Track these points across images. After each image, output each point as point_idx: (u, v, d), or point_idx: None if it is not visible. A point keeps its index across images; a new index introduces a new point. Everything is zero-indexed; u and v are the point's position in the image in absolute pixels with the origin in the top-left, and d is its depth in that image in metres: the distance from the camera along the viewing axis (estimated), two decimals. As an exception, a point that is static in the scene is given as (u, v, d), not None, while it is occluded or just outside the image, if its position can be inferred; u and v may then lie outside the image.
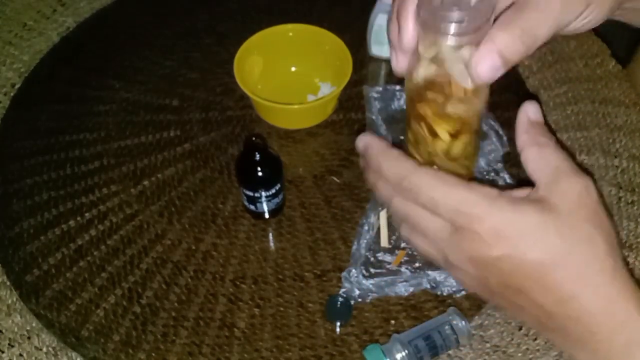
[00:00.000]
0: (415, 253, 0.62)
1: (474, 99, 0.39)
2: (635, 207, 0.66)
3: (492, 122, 0.69)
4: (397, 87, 0.74)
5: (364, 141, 0.43)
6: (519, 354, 0.57)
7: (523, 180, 0.67)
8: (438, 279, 0.59)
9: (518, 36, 0.37)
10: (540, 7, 0.37)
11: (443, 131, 0.40)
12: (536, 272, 0.35)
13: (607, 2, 0.41)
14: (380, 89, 0.74)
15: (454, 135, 0.40)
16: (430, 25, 0.37)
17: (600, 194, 0.37)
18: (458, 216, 0.36)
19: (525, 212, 0.36)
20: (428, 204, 0.37)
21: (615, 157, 0.70)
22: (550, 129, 0.41)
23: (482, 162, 0.68)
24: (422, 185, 0.38)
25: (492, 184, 0.64)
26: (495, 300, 0.39)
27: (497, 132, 0.69)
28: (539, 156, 0.39)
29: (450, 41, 0.37)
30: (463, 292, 0.60)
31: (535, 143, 0.39)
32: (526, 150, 0.39)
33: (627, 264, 0.39)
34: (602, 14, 0.41)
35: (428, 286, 0.60)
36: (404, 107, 0.73)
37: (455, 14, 0.35)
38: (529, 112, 0.40)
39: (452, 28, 0.36)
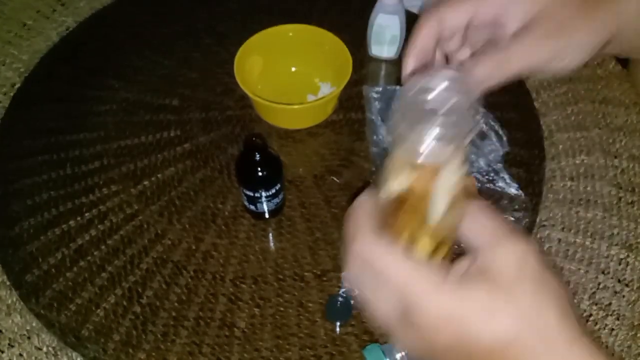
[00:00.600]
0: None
1: (455, 208, 0.38)
2: (635, 207, 0.66)
3: (492, 122, 0.69)
4: (397, 87, 0.74)
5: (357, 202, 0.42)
6: (519, 354, 0.57)
7: (523, 180, 0.67)
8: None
9: (493, 68, 0.41)
10: (512, 48, 0.41)
11: (427, 244, 0.38)
12: (490, 353, 0.35)
13: (581, 46, 0.43)
14: (380, 89, 0.74)
15: (436, 247, 0.39)
16: (407, 141, 0.35)
17: (542, 252, 0.37)
18: (404, 296, 0.36)
19: (470, 294, 0.35)
20: (379, 275, 0.37)
21: (615, 157, 0.70)
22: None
23: (482, 162, 0.68)
24: (374, 253, 0.37)
25: (491, 191, 0.64)
26: None
27: (497, 132, 0.69)
28: (471, 226, 0.38)
29: (428, 155, 0.35)
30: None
31: (466, 213, 0.38)
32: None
33: (583, 316, 0.39)
34: (579, 56, 0.43)
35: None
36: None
37: (436, 130, 0.34)
38: None
39: (430, 143, 0.34)
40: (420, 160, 0.35)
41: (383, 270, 0.36)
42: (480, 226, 0.37)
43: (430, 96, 0.35)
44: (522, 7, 0.42)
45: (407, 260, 0.36)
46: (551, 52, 0.42)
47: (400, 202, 0.38)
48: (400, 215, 0.38)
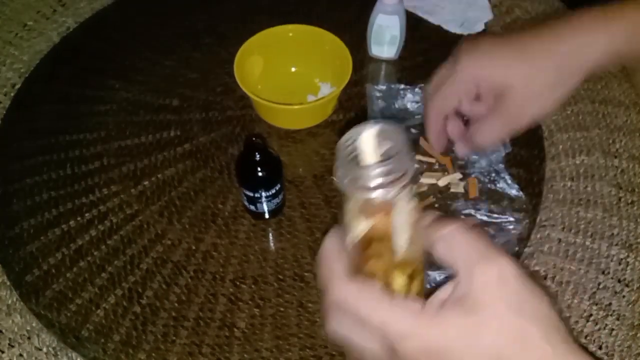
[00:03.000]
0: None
1: (417, 237, 0.39)
2: (635, 207, 0.66)
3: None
4: (401, 86, 0.74)
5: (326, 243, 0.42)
6: (519, 354, 0.57)
7: (523, 180, 0.67)
8: (438, 279, 0.59)
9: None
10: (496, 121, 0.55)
11: (400, 278, 0.39)
12: None
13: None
14: (384, 87, 0.74)
15: (411, 277, 0.39)
16: (355, 188, 0.37)
17: (521, 268, 0.36)
18: (385, 335, 0.36)
19: (450, 321, 0.35)
20: (358, 318, 0.37)
21: (615, 157, 0.70)
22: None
23: (483, 163, 0.68)
24: (350, 298, 0.37)
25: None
26: None
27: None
28: (447, 251, 0.38)
29: (378, 195, 0.37)
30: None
31: (439, 239, 0.38)
32: (434, 249, 0.38)
33: (569, 327, 0.38)
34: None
35: (428, 286, 0.59)
36: (407, 106, 0.73)
37: (377, 171, 0.36)
38: (424, 221, 0.40)
39: (376, 183, 0.36)
40: (373, 197, 0.37)
41: (361, 313, 0.36)
42: (456, 249, 0.37)
43: (365, 146, 0.38)
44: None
45: (383, 298, 0.36)
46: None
47: (365, 244, 0.39)
48: (367, 256, 0.39)
